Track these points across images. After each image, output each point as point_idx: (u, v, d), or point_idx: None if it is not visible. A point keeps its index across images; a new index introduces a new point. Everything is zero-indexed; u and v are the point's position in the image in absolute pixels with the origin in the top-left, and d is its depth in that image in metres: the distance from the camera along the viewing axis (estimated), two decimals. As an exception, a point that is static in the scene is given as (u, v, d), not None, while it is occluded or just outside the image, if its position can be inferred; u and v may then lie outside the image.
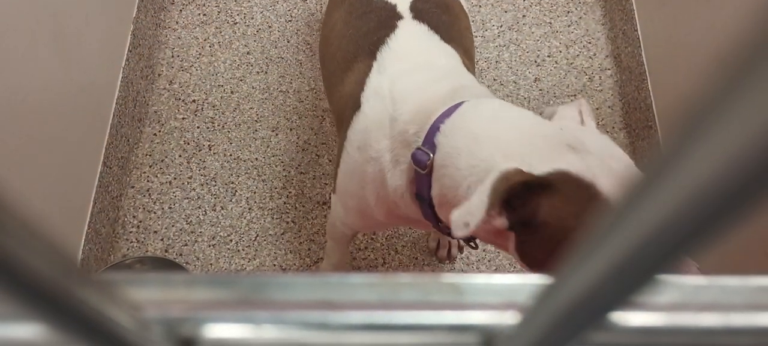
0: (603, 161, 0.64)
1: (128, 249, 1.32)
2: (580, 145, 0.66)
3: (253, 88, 1.50)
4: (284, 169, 1.40)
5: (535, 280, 0.22)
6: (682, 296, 0.21)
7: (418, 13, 0.93)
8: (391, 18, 0.92)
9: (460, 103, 0.76)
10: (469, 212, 0.66)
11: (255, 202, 1.36)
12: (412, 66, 0.86)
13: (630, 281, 0.14)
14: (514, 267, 1.31)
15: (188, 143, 1.43)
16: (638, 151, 1.42)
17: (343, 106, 0.91)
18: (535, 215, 0.66)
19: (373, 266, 1.32)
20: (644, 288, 0.14)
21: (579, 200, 0.63)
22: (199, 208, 1.36)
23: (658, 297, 0.21)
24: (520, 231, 0.67)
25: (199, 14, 1.60)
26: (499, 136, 0.70)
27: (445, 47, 0.91)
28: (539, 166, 0.64)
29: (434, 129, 0.75)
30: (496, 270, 1.31)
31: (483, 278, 0.22)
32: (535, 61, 1.55)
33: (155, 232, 1.34)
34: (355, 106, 0.86)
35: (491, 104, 0.77)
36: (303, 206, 1.36)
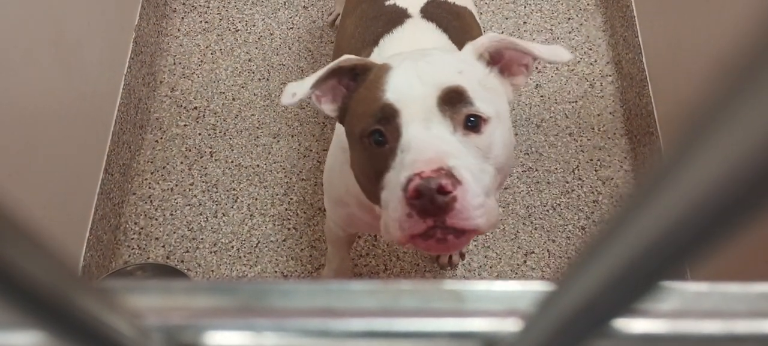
0: (414, 62, 0.67)
1: (130, 256, 1.32)
2: (420, 55, 0.70)
3: (254, 95, 1.50)
4: (286, 176, 1.40)
5: (537, 287, 0.22)
6: (684, 303, 0.21)
7: (428, 15, 0.94)
8: (401, 17, 0.93)
9: None
10: (299, 84, 0.72)
11: (256, 208, 1.36)
12: (410, 48, 0.87)
13: (632, 288, 0.14)
14: (516, 274, 1.31)
15: (190, 150, 1.43)
16: (640, 158, 1.42)
17: None
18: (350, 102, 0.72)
19: (374, 272, 1.31)
20: (647, 295, 0.14)
21: (371, 87, 0.68)
22: (201, 215, 1.36)
23: (661, 304, 0.21)
24: (343, 120, 0.73)
25: (201, 22, 1.61)
26: None
27: (452, 46, 0.91)
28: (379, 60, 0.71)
29: None
30: (498, 277, 1.31)
31: (484, 285, 0.22)
32: (536, 68, 1.55)
33: (157, 239, 1.34)
34: None
35: None
36: (304, 213, 1.36)
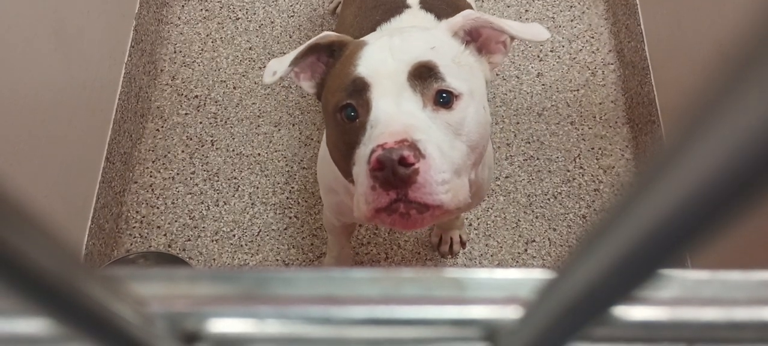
0: (389, 38, 0.67)
1: (131, 244, 1.32)
2: (397, 33, 0.70)
3: (255, 83, 1.50)
4: (287, 165, 1.40)
5: (537, 275, 0.22)
6: (684, 291, 0.21)
7: (426, 5, 0.93)
8: (399, 7, 0.93)
9: None
10: (280, 61, 0.73)
11: (258, 197, 1.37)
12: None
13: (632, 276, 0.14)
14: (517, 262, 1.31)
15: (191, 139, 1.43)
16: (641, 147, 1.42)
17: None
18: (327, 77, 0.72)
19: (375, 260, 1.32)
20: (647, 283, 0.14)
21: (346, 62, 0.68)
22: (202, 203, 1.36)
23: (661, 292, 0.21)
24: (321, 96, 0.73)
25: (202, 10, 1.60)
26: None
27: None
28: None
29: None
30: (499, 265, 1.32)
31: (485, 273, 0.22)
32: (538, 56, 1.54)
33: (158, 227, 1.34)
34: None
35: None
36: (306, 202, 1.36)
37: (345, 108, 0.65)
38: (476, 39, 0.72)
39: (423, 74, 0.63)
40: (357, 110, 0.64)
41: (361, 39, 0.71)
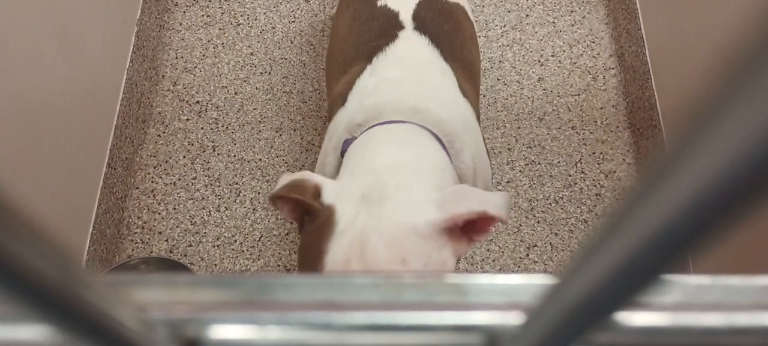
0: (356, 232, 0.63)
1: (133, 250, 1.32)
2: (375, 203, 0.65)
3: (256, 89, 1.50)
4: (288, 170, 1.40)
5: (539, 280, 0.22)
6: (686, 296, 0.21)
7: (420, 22, 0.93)
8: (393, 27, 0.93)
9: (402, 122, 0.78)
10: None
11: (259, 202, 1.37)
12: (402, 74, 0.87)
13: (634, 281, 0.14)
14: (519, 267, 1.31)
15: (192, 144, 1.43)
16: (643, 151, 1.42)
17: (333, 105, 0.93)
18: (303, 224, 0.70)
19: (377, 266, 1.32)
20: (648, 288, 0.14)
21: (314, 244, 0.65)
22: (204, 209, 1.36)
23: (662, 297, 0.21)
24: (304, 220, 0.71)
25: (203, 16, 1.61)
26: (369, 159, 0.73)
27: (443, 65, 0.90)
28: (333, 194, 0.67)
29: (366, 129, 0.80)
30: (501, 270, 1.31)
31: (487, 279, 0.22)
32: (539, 61, 1.54)
33: (160, 232, 1.34)
34: (342, 103, 0.89)
35: (394, 134, 0.77)
36: (307, 207, 1.36)
37: None
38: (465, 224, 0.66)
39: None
40: None
41: (332, 210, 0.65)
